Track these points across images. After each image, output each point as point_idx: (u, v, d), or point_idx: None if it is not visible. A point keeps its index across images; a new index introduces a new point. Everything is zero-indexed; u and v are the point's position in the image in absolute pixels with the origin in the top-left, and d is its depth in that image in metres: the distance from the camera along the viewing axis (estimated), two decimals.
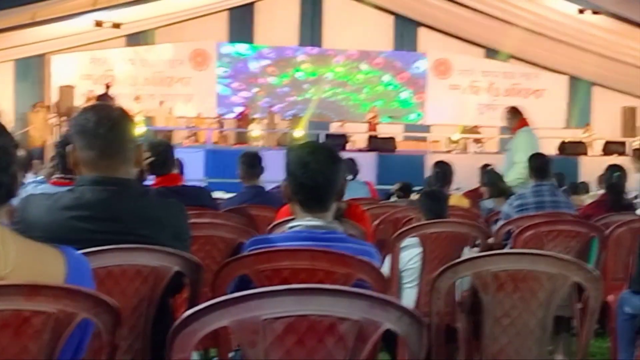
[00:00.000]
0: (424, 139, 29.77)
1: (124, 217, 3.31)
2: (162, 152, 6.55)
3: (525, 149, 9.63)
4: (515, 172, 9.93)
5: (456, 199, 8.86)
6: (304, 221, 3.48)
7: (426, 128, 33.14)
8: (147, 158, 6.19)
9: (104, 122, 3.28)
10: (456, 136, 29.92)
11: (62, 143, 5.07)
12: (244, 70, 33.62)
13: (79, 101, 27.89)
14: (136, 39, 31.71)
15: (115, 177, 3.30)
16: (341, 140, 26.24)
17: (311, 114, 32.85)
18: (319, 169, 3.43)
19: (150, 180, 6.60)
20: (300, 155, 3.46)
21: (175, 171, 6.92)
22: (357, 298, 2.34)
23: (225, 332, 2.36)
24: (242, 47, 33.48)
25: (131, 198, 3.35)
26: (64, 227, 3.20)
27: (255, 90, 33.57)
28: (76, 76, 30.56)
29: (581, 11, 24.23)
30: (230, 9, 32.82)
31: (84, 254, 2.92)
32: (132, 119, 3.51)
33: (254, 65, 33.76)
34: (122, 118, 3.37)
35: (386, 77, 34.96)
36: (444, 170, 9.06)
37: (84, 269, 2.52)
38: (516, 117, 10.82)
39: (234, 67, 33.51)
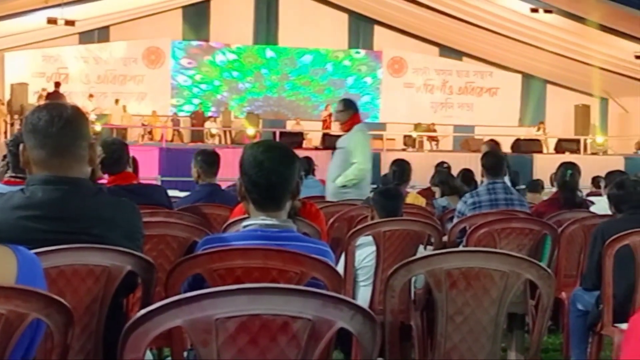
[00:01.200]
0: (379, 137, 29.82)
1: (76, 216, 3.28)
2: (116, 151, 6.49)
3: (363, 150, 9.31)
4: (351, 173, 9.25)
5: (413, 197, 8.88)
6: (258, 220, 3.45)
7: (382, 126, 33.20)
8: (100, 156, 6.15)
9: (55, 121, 3.24)
10: (412, 134, 30.03)
11: (14, 142, 5.00)
12: (207, 62, 33.55)
13: (32, 99, 27.70)
14: (90, 36, 31.56)
15: (67, 177, 3.27)
16: (297, 138, 26.27)
17: (265, 112, 32.88)
18: (273, 168, 3.41)
19: (104, 179, 6.55)
20: (254, 154, 3.44)
21: (129, 170, 6.87)
22: (310, 297, 2.34)
23: (179, 331, 2.36)
24: (197, 44, 33.40)
25: (83, 197, 3.31)
26: (15, 227, 3.16)
27: (216, 83, 33.54)
28: (29, 74, 30.36)
29: (534, 10, 24.45)
30: (184, 7, 32.72)
31: (36, 253, 2.90)
32: (86, 118, 3.48)
33: (219, 59, 33.67)
34: (74, 117, 3.33)
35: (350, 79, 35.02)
36: (402, 169, 9.05)
37: (35, 269, 2.50)
38: (350, 112, 9.49)
39: (197, 60, 33.42)
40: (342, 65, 35.17)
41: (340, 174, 9.26)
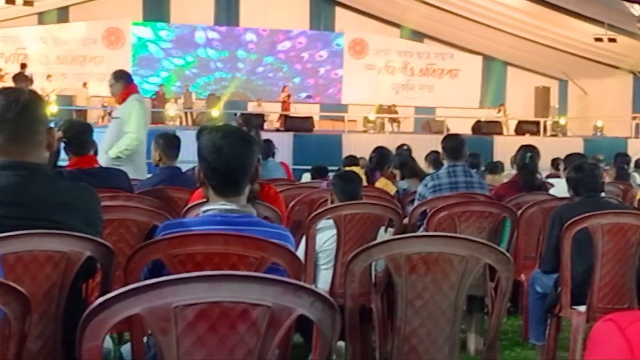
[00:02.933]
0: (341, 119, 29.84)
1: (34, 202, 3.26)
2: (84, 132, 6.46)
3: (137, 119, 8.95)
4: (124, 143, 8.83)
5: (383, 182, 8.89)
6: (218, 205, 3.45)
7: (343, 107, 33.20)
8: (61, 139, 6.10)
9: (12, 106, 3.22)
10: (372, 116, 30.05)
11: None
12: (148, 56, 33.34)
13: None
14: (49, 16, 31.25)
15: (24, 162, 3.25)
16: (258, 120, 26.19)
17: (230, 93, 32.76)
18: (232, 153, 3.40)
19: (65, 161, 6.50)
20: (213, 139, 3.41)
21: (92, 153, 6.83)
22: (270, 284, 2.34)
23: (139, 317, 2.34)
24: (145, 32, 33.14)
25: (41, 183, 3.29)
26: None
27: (163, 74, 33.38)
28: None
29: None
30: None
31: None
32: (43, 102, 3.45)
33: (155, 49, 33.46)
34: (31, 101, 3.30)
35: (305, 55, 34.94)
36: (381, 155, 9.12)
37: None
38: (122, 83, 9.09)
39: (138, 55, 33.23)
40: (304, 46, 35.10)
41: (109, 144, 8.93)
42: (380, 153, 9.23)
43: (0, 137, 3.23)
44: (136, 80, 9.81)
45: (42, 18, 31.31)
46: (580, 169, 5.96)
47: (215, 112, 28.12)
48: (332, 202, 6.11)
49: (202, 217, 3.52)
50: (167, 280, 2.28)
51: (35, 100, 3.35)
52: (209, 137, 3.43)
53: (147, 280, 2.30)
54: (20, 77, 25.17)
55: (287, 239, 3.52)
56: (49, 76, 29.28)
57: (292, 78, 34.48)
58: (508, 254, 3.51)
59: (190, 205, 5.37)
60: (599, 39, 25.74)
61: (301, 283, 2.40)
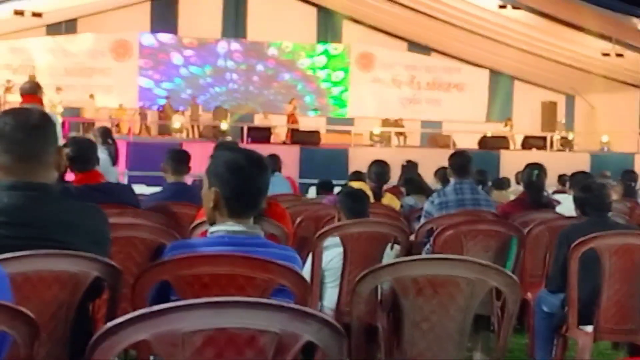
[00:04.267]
0: (347, 132, 29.83)
1: (42, 222, 3.26)
2: (84, 150, 6.46)
3: None
4: None
5: (389, 198, 8.87)
6: (226, 226, 3.45)
7: (349, 121, 33.20)
8: (67, 156, 6.11)
9: (22, 126, 3.22)
10: (377, 130, 30.05)
11: None
12: (165, 61, 33.39)
13: None
14: (57, 28, 31.35)
15: (33, 182, 3.25)
16: (265, 133, 26.23)
17: (233, 105, 32.83)
18: (253, 176, 3.44)
19: (70, 177, 6.51)
20: (235, 161, 3.44)
21: (97, 168, 6.84)
22: (277, 310, 2.34)
23: (146, 342, 2.34)
24: (164, 37, 33.21)
25: (50, 203, 3.29)
26: None
27: (177, 81, 33.42)
28: None
29: (502, 6, 24.55)
30: (153, 0, 32.55)
31: (1, 260, 2.88)
32: (53, 123, 3.45)
33: (176, 56, 33.53)
34: (41, 122, 3.31)
35: (321, 73, 34.97)
36: (380, 170, 9.04)
37: (0, 281, 2.48)
38: (30, 92, 8.76)
39: (154, 59, 33.25)
40: (313, 60, 35.14)
41: None
42: (378, 170, 9.08)
43: (9, 157, 3.22)
44: (149, 83, 9.84)
45: (50, 30, 31.38)
46: (589, 189, 5.96)
47: (224, 124, 28.14)
48: (338, 220, 6.11)
49: (209, 238, 3.52)
50: (174, 307, 2.28)
51: (45, 120, 3.35)
52: (229, 158, 3.46)
53: (155, 307, 2.30)
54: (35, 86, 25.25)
55: (294, 260, 3.54)
56: (58, 88, 29.29)
57: (303, 96, 34.56)
58: (515, 277, 3.50)
59: (197, 222, 5.38)
60: (606, 54, 25.75)
61: (309, 310, 2.40)
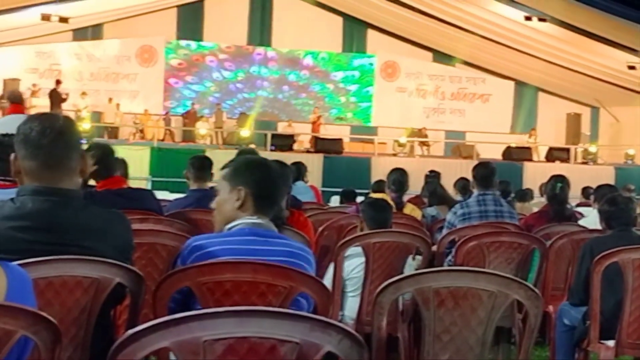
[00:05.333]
0: (371, 141, 29.81)
1: (66, 228, 3.27)
2: (102, 158, 6.45)
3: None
4: None
5: (410, 208, 8.83)
6: (248, 219, 3.66)
7: (373, 130, 33.18)
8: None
9: (47, 132, 3.23)
10: (404, 139, 30.02)
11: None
12: (199, 63, 33.52)
13: (25, 95, 27.67)
14: (83, 33, 31.53)
15: (57, 188, 3.26)
16: (289, 140, 26.24)
17: (257, 112, 32.84)
18: (274, 170, 3.82)
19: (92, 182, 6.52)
20: (255, 159, 3.94)
21: (118, 173, 6.85)
22: (299, 320, 2.34)
23: (167, 349, 2.35)
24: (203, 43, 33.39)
25: (74, 209, 3.30)
26: (4, 238, 3.15)
27: (207, 83, 33.54)
28: (21, 69, 30.26)
29: (528, 18, 24.50)
30: (179, 6, 32.71)
31: (25, 265, 2.90)
32: (77, 129, 3.47)
33: (210, 59, 33.65)
34: (66, 128, 3.32)
35: (352, 87, 35.03)
36: (400, 180, 8.92)
37: (24, 284, 2.49)
38: (9, 102, 8.73)
39: (189, 60, 33.41)
40: (345, 73, 35.21)
41: None
42: (397, 178, 8.95)
43: (34, 162, 3.24)
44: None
45: (76, 35, 31.55)
46: (614, 203, 5.92)
47: (246, 131, 28.18)
48: (361, 230, 6.10)
49: (230, 231, 3.68)
50: (196, 315, 2.29)
51: (70, 126, 3.36)
52: (250, 158, 3.90)
53: (176, 314, 2.30)
54: (55, 94, 25.42)
55: (309, 261, 3.69)
56: (83, 93, 29.45)
57: (330, 107, 34.64)
58: (537, 290, 3.49)
59: None
60: (631, 67, 25.66)
61: (330, 320, 2.40)
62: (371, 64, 35.24)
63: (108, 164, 6.45)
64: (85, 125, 24.97)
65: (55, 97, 25.60)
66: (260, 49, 34.25)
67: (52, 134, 3.24)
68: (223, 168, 3.86)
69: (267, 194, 3.73)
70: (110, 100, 30.37)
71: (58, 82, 27.10)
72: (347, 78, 35.27)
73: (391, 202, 8.07)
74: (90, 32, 31.90)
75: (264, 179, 3.73)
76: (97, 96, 30.62)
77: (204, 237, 3.77)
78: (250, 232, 3.62)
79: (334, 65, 35.16)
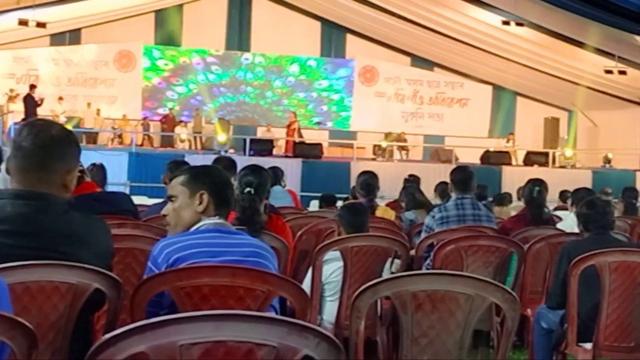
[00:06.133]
0: (350, 146, 29.84)
1: (44, 232, 3.25)
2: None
3: None
4: None
5: (382, 210, 8.82)
6: (211, 220, 3.86)
7: (352, 134, 33.22)
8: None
9: (35, 137, 3.26)
10: (384, 144, 30.08)
11: None
12: (185, 65, 33.48)
13: (1, 100, 27.61)
14: (61, 38, 31.42)
15: (37, 192, 3.25)
16: (268, 145, 26.20)
17: (237, 117, 32.87)
18: (224, 174, 4.18)
19: None
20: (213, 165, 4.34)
21: (87, 179, 6.80)
22: (275, 324, 2.34)
23: (144, 354, 2.34)
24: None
25: (52, 213, 3.29)
26: None
27: (190, 85, 33.48)
28: None
29: (506, 23, 24.55)
30: (156, 11, 32.61)
31: (1, 270, 2.89)
32: (70, 142, 3.44)
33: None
34: (57, 137, 3.32)
35: (323, 83, 35.06)
36: (367, 181, 8.86)
37: (0, 291, 2.48)
38: None
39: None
40: (316, 72, 35.19)
41: None
42: (366, 182, 8.84)
43: (20, 164, 3.27)
44: (145, 113, 9.84)
45: (54, 40, 31.44)
46: (592, 206, 5.95)
47: (223, 136, 28.15)
48: (339, 234, 6.10)
49: (197, 230, 3.83)
50: (172, 319, 2.29)
51: (61, 138, 3.36)
52: (209, 165, 4.28)
53: (153, 319, 2.30)
54: (29, 99, 25.30)
55: (268, 258, 3.80)
56: (60, 98, 29.35)
57: (304, 105, 34.63)
58: (514, 293, 3.50)
59: None
60: (609, 71, 25.77)
61: (307, 324, 2.40)
62: (351, 73, 35.28)
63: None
64: None
65: (29, 102, 25.50)
66: (248, 54, 34.24)
67: (39, 138, 3.26)
68: (176, 176, 4.03)
69: (226, 197, 3.96)
70: (89, 105, 30.26)
71: (32, 86, 26.93)
72: (330, 87, 35.28)
73: None
74: (68, 37, 31.80)
75: (222, 183, 3.99)
76: (75, 101, 30.52)
77: (171, 236, 3.84)
78: (216, 230, 3.80)
79: (320, 74, 35.15)
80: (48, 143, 3.28)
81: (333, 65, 35.25)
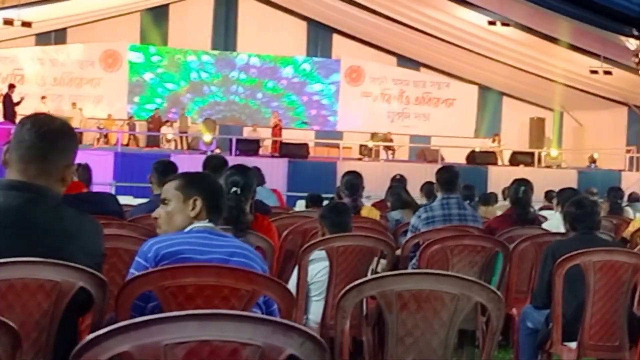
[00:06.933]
0: (336, 146, 29.85)
1: (35, 226, 3.24)
2: None
3: None
4: None
5: (367, 210, 8.81)
6: (203, 223, 3.91)
7: (339, 134, 33.22)
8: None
9: (38, 129, 3.28)
10: (371, 144, 30.11)
11: None
12: (142, 83, 33.42)
13: None
14: (46, 38, 31.33)
15: (32, 184, 3.25)
16: (254, 145, 26.20)
17: (222, 117, 32.81)
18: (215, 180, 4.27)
19: None
20: (208, 173, 4.30)
21: (75, 178, 6.79)
22: (260, 323, 2.34)
23: (128, 354, 2.34)
24: (138, 57, 33.19)
25: (45, 208, 3.27)
26: None
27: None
28: None
29: (492, 23, 24.59)
30: (142, 11, 32.55)
31: None
32: (71, 137, 3.45)
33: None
34: (58, 131, 3.35)
35: (315, 87, 35.04)
36: (351, 181, 8.81)
37: None
38: None
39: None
40: (303, 73, 35.17)
41: None
42: (351, 182, 8.80)
43: (17, 155, 3.28)
44: (132, 108, 9.86)
45: (39, 39, 31.35)
46: (580, 206, 5.95)
47: (209, 136, 28.14)
48: (322, 234, 6.09)
49: (191, 230, 3.87)
50: (156, 319, 2.29)
51: (63, 132, 3.39)
52: (203, 173, 3.80)
53: (137, 318, 2.30)
54: (7, 98, 25.26)
55: (254, 260, 3.80)
56: (43, 97, 29.28)
57: (292, 107, 34.60)
58: (499, 293, 3.51)
59: None
60: (594, 72, 25.84)
61: (292, 323, 2.40)
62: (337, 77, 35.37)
63: None
64: None
65: (8, 102, 25.50)
66: (243, 55, 34.19)
67: (41, 131, 3.29)
68: (169, 180, 4.08)
69: (218, 203, 4.01)
70: (74, 105, 30.14)
71: (11, 86, 26.87)
72: (322, 91, 35.29)
73: None
74: (54, 37, 31.72)
75: (215, 190, 4.07)
76: (61, 101, 30.44)
77: (161, 235, 3.90)
78: (205, 231, 3.84)
79: (313, 77, 35.16)
80: (50, 136, 3.30)
81: (327, 69, 35.21)
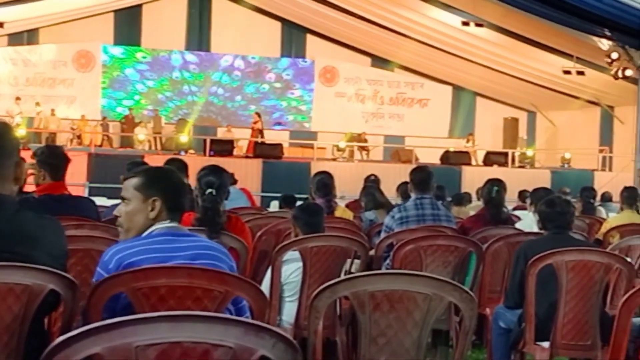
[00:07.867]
0: (310, 146, 29.85)
1: None
2: (60, 159, 6.34)
3: None
4: None
5: (341, 211, 8.80)
6: (164, 224, 3.79)
7: (313, 135, 33.22)
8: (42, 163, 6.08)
9: None
10: (343, 144, 30.13)
11: None
12: (120, 78, 33.25)
13: None
14: (19, 38, 31.15)
15: None
16: (228, 146, 26.16)
17: (198, 117, 32.71)
18: (180, 178, 4.08)
19: (31, 188, 6.42)
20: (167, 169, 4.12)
21: (63, 180, 6.75)
22: (232, 324, 2.34)
23: (100, 356, 2.32)
24: (117, 52, 33.03)
25: (5, 214, 3.26)
26: None
27: (136, 97, 33.25)
28: None
29: (465, 23, 24.67)
30: (116, 11, 32.41)
31: None
32: (14, 136, 3.42)
33: (130, 71, 33.41)
34: (1, 133, 3.29)
35: (295, 92, 35.02)
36: (324, 181, 8.76)
37: None
38: None
39: (110, 76, 33.08)
40: (280, 73, 35.16)
41: None
42: (323, 182, 8.76)
43: None
44: (109, 102, 9.82)
45: (12, 39, 31.17)
46: (552, 205, 5.97)
47: (184, 137, 28.09)
48: (295, 235, 6.08)
49: (150, 234, 3.76)
50: (128, 320, 2.28)
51: (5, 133, 3.33)
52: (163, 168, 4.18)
53: (108, 320, 2.29)
54: None
55: (222, 260, 3.76)
56: (17, 99, 29.12)
57: (271, 112, 34.59)
58: (472, 293, 3.52)
59: None
60: (567, 72, 25.97)
61: (263, 324, 2.40)
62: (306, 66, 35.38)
63: (58, 165, 6.32)
64: (20, 132, 24.60)
65: None
66: (228, 56, 34.14)
67: None
68: (129, 177, 3.91)
69: (178, 203, 3.87)
70: (37, 104, 29.73)
71: None
72: (301, 97, 35.32)
73: None
74: (26, 37, 31.55)
75: (176, 189, 3.90)
76: (34, 101, 30.25)
77: (122, 242, 3.80)
78: (166, 234, 3.74)
79: (293, 84, 35.18)
80: None
81: (308, 75, 35.21)
